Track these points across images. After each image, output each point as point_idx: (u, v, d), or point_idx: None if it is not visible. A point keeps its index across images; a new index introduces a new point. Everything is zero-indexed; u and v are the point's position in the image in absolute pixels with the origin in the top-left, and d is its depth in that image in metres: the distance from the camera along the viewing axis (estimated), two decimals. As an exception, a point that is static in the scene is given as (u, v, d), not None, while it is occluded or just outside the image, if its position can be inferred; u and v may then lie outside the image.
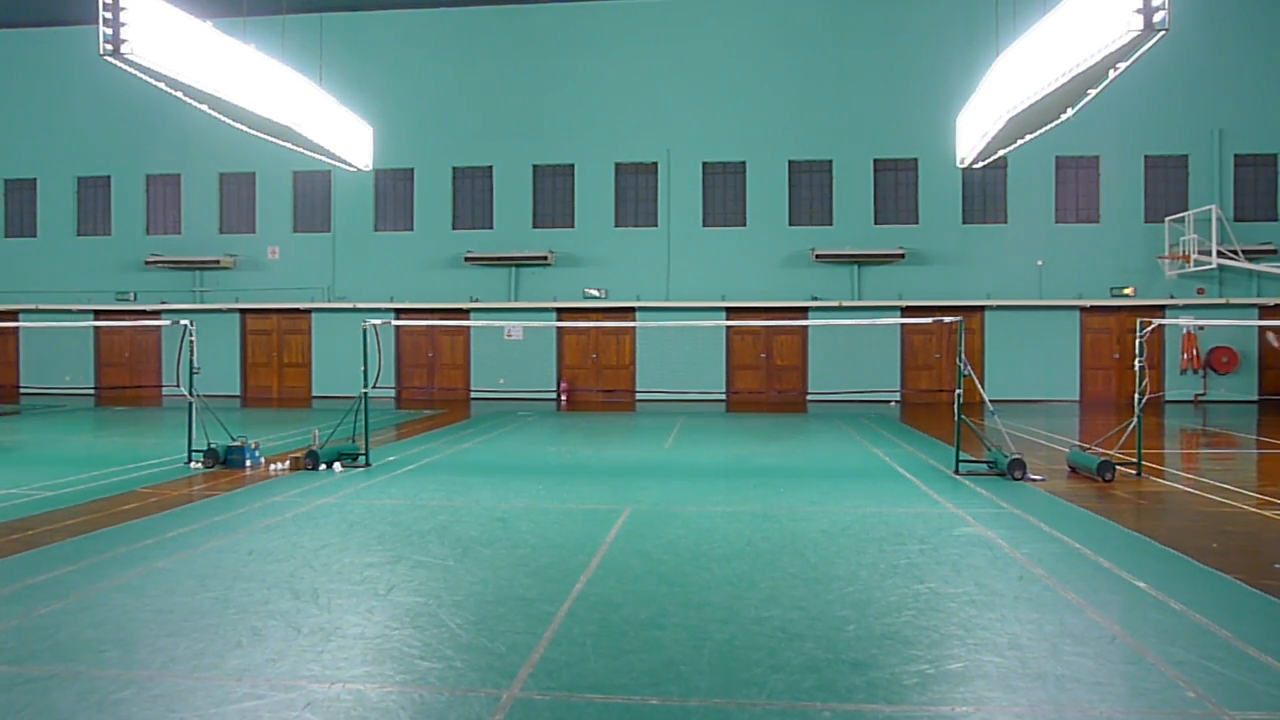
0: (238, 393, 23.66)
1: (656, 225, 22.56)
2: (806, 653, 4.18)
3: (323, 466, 10.10)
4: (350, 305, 22.89)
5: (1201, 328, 20.75)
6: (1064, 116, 10.73)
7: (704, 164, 22.47)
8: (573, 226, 22.77)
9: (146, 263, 23.54)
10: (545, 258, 22.28)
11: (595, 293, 22.44)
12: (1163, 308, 20.92)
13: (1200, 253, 19.66)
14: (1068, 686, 3.77)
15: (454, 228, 23.12)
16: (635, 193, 22.73)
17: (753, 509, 7.85)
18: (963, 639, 4.39)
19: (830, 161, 22.15)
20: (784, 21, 22.22)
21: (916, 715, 3.52)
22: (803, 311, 21.87)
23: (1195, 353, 20.71)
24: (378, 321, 11.25)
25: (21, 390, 23.49)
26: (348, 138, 13.97)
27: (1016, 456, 9.46)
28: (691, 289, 22.24)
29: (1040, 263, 21.45)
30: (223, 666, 4.01)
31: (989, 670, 3.98)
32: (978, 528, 6.98)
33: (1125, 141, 21.27)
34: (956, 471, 9.85)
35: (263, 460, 10.45)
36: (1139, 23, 7.75)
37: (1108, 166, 21.47)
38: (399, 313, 22.50)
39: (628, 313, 22.17)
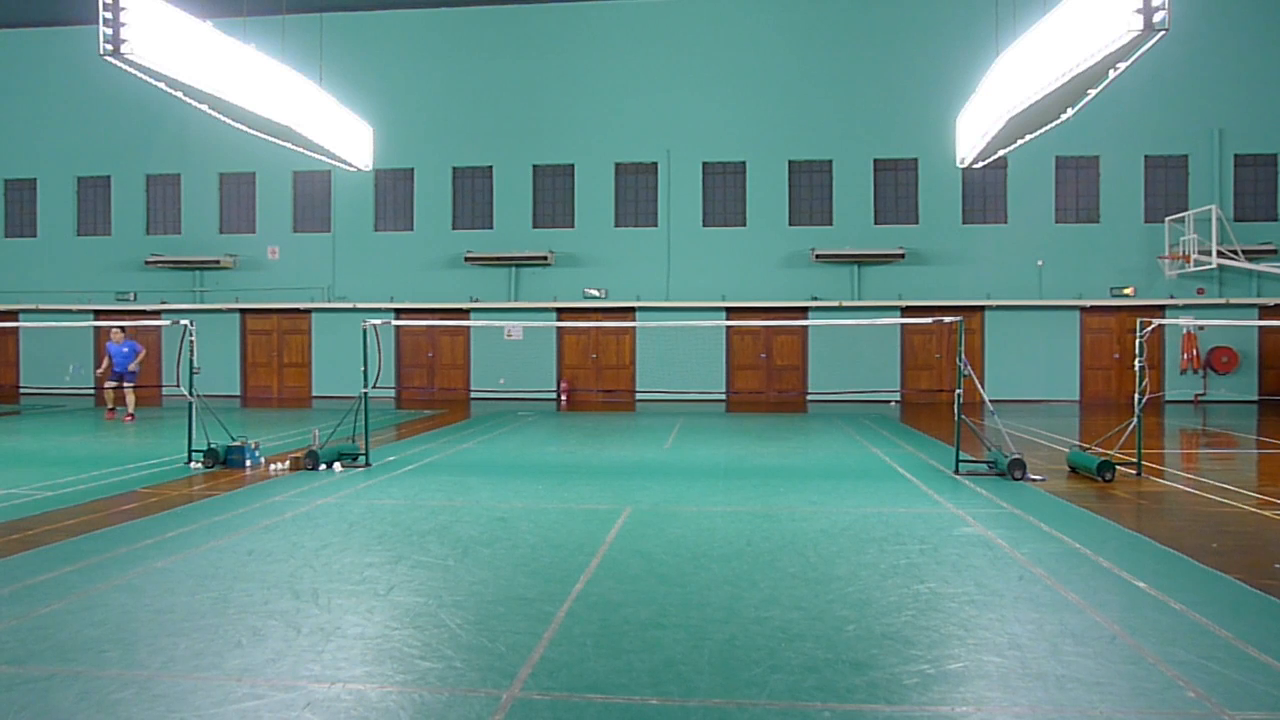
0: (238, 393, 23.67)
1: (656, 225, 22.57)
2: (806, 653, 4.18)
3: (323, 466, 10.10)
4: (350, 305, 22.90)
5: (1201, 328, 20.75)
6: (1064, 116, 10.73)
7: (704, 164, 22.48)
8: (573, 226, 22.78)
9: (146, 263, 23.55)
10: (545, 258, 22.28)
11: (595, 293, 22.45)
12: (1163, 308, 20.93)
13: (1200, 253, 19.67)
14: (1068, 686, 3.77)
15: (454, 228, 23.13)
16: (635, 193, 22.74)
17: (753, 509, 7.85)
18: (963, 639, 4.38)
19: (830, 161, 22.15)
20: (784, 21, 22.23)
21: (916, 715, 3.52)
22: (803, 311, 21.88)
23: (1195, 353, 20.71)
24: (378, 321, 11.24)
25: (21, 390, 23.51)
26: (348, 138, 13.97)
27: (1016, 456, 9.46)
28: (691, 289, 22.24)
29: (1040, 262, 21.46)
30: (223, 666, 4.00)
31: (989, 670, 3.98)
32: (978, 528, 6.98)
33: (1125, 141, 21.28)
34: (956, 471, 9.85)
35: (263, 460, 10.45)
36: (1139, 23, 7.76)
37: (1108, 166, 21.47)
38: (399, 313, 22.51)
39: (628, 313, 22.18)
